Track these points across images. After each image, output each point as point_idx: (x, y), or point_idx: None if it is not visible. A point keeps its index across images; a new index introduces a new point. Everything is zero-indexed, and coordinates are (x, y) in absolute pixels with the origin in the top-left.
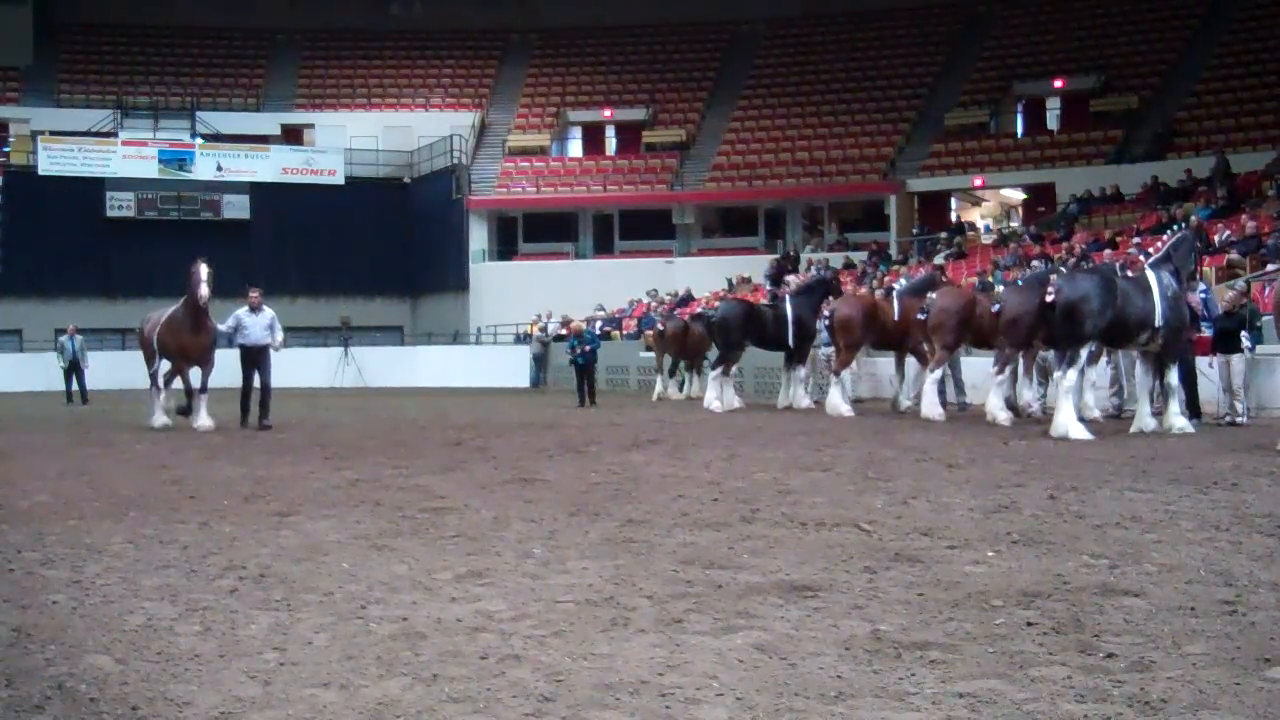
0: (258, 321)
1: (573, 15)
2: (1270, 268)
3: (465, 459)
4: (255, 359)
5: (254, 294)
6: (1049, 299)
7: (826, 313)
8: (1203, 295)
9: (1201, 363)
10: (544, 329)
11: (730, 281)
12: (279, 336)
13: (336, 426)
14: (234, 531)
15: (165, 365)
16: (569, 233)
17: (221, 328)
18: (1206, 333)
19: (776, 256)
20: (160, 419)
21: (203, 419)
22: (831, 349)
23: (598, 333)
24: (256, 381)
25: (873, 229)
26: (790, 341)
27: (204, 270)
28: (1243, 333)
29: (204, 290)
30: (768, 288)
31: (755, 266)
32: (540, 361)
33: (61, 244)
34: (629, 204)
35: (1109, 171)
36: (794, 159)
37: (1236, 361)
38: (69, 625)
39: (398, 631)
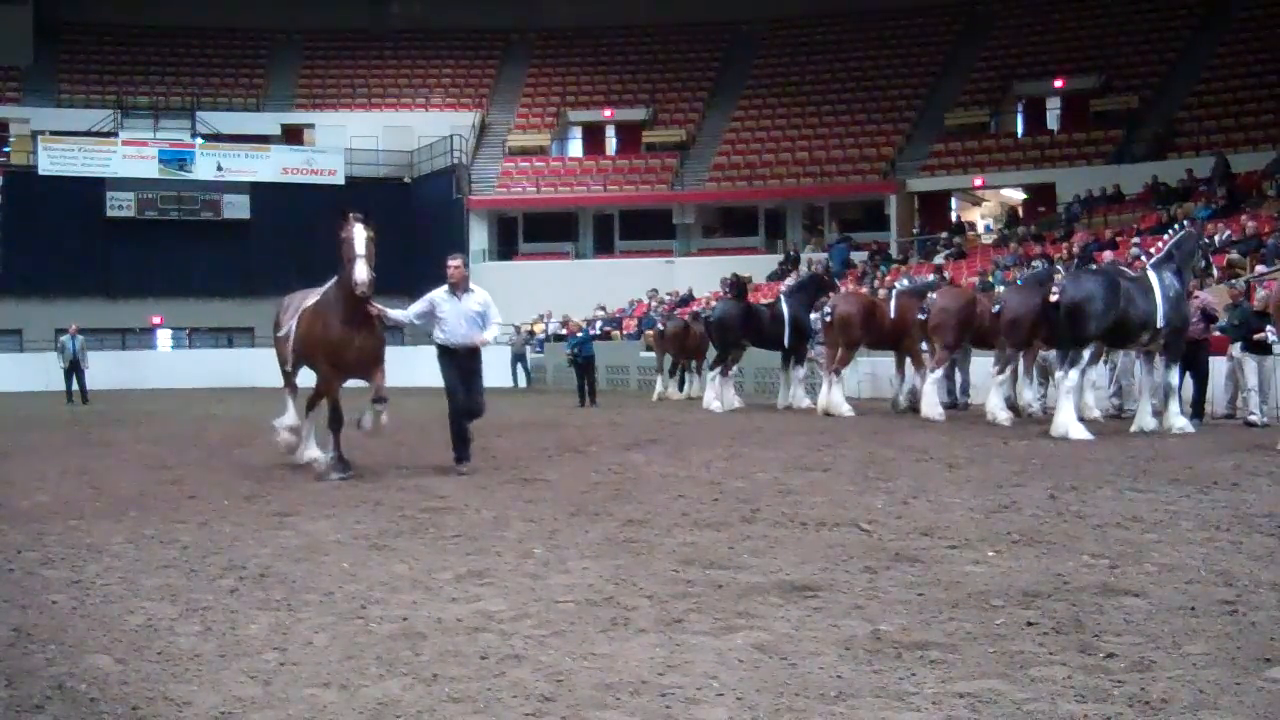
0: (461, 308)
1: (573, 15)
2: (1260, 269)
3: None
4: (462, 366)
5: (454, 264)
6: (1053, 299)
7: (826, 309)
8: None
9: (1217, 363)
10: (519, 328)
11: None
12: (491, 330)
13: None
14: (234, 531)
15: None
16: (569, 233)
17: (401, 316)
18: (1214, 333)
19: (780, 257)
20: (312, 452)
21: (364, 422)
22: (822, 348)
23: (596, 332)
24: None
25: (873, 229)
26: (786, 341)
27: (361, 235)
28: (1269, 328)
29: (363, 272)
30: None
31: (756, 266)
32: (520, 361)
33: (61, 244)
34: (629, 204)
35: (1109, 171)
36: (794, 159)
37: (1268, 362)
38: (69, 625)
39: (398, 631)
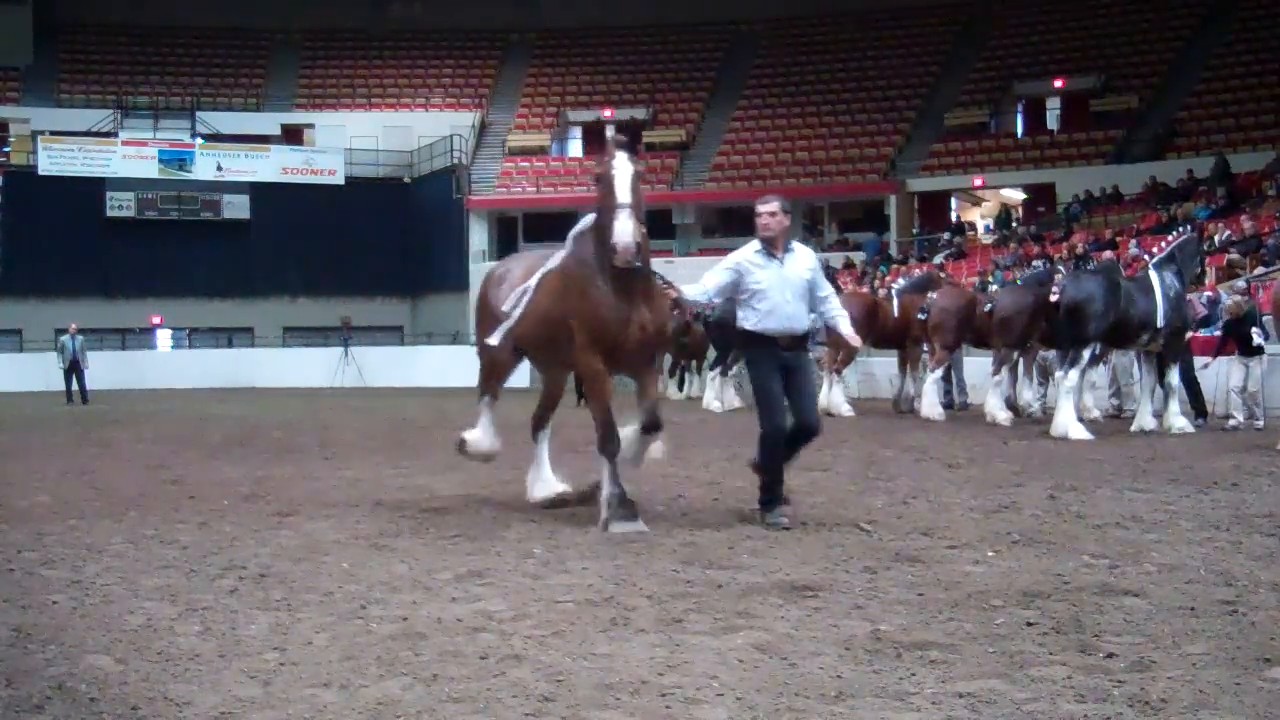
0: (785, 275)
1: (573, 15)
2: (1259, 270)
3: (465, 459)
4: (786, 364)
5: (769, 209)
6: (1053, 299)
7: None
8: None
9: (1196, 362)
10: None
11: None
12: (844, 320)
13: (336, 426)
14: (234, 531)
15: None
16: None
17: (697, 294)
18: (1202, 334)
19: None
20: (544, 489)
21: (635, 450)
22: (823, 347)
23: None
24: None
25: (873, 229)
26: None
27: (626, 172)
28: (1254, 329)
29: (627, 231)
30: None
31: None
32: None
33: (61, 244)
34: None
35: (1109, 171)
36: (794, 159)
37: (1255, 366)
38: (69, 625)
39: (398, 631)
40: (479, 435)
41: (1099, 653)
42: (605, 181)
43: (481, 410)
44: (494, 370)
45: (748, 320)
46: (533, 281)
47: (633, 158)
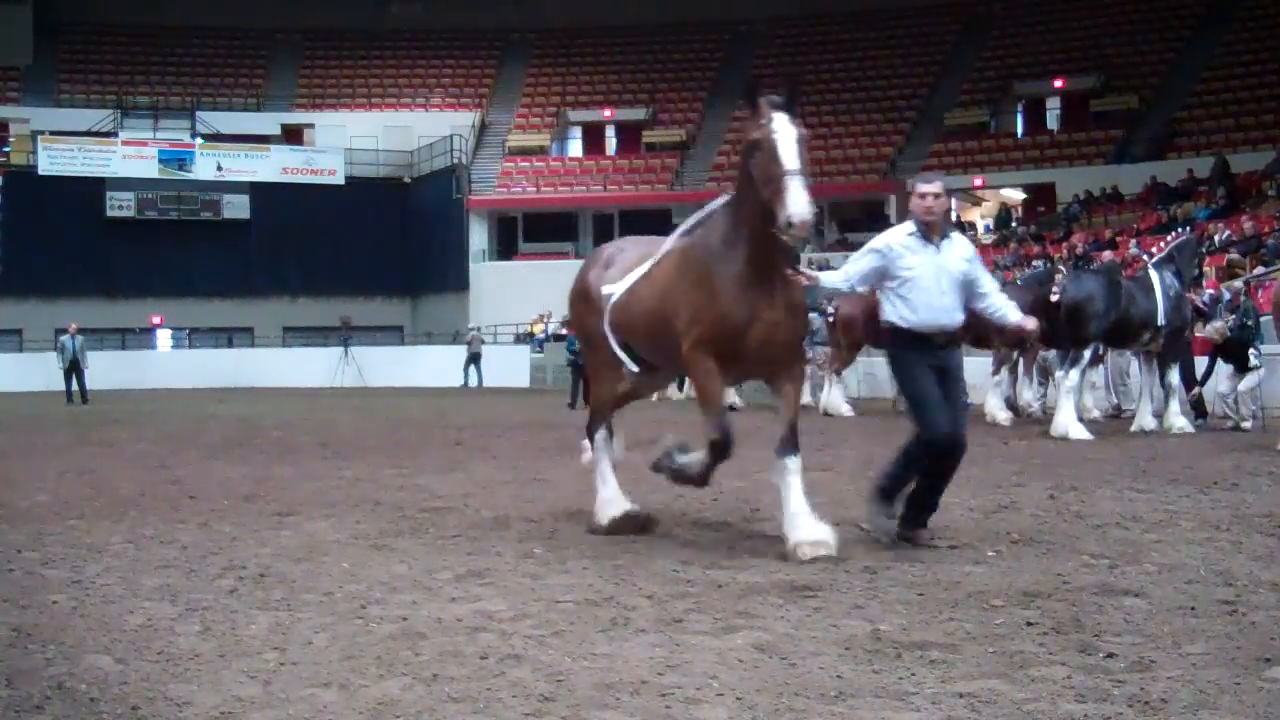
0: (941, 264)
1: (573, 15)
2: (1259, 270)
3: (465, 459)
4: (941, 365)
5: (930, 189)
6: (1053, 299)
7: (830, 310)
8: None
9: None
10: (477, 329)
11: None
12: (1014, 309)
13: (336, 426)
14: (234, 531)
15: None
16: (569, 233)
17: (837, 282)
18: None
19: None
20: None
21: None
22: (823, 348)
23: None
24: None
25: (873, 229)
26: None
27: (790, 134)
28: (1251, 350)
29: (802, 201)
30: None
31: None
32: (475, 361)
33: (61, 244)
34: (629, 204)
35: (1109, 171)
36: None
37: (1250, 378)
38: (69, 625)
39: (398, 631)
40: (607, 497)
41: (1099, 653)
42: (766, 147)
43: (597, 454)
44: (606, 381)
45: (894, 314)
46: (647, 265)
47: (794, 118)
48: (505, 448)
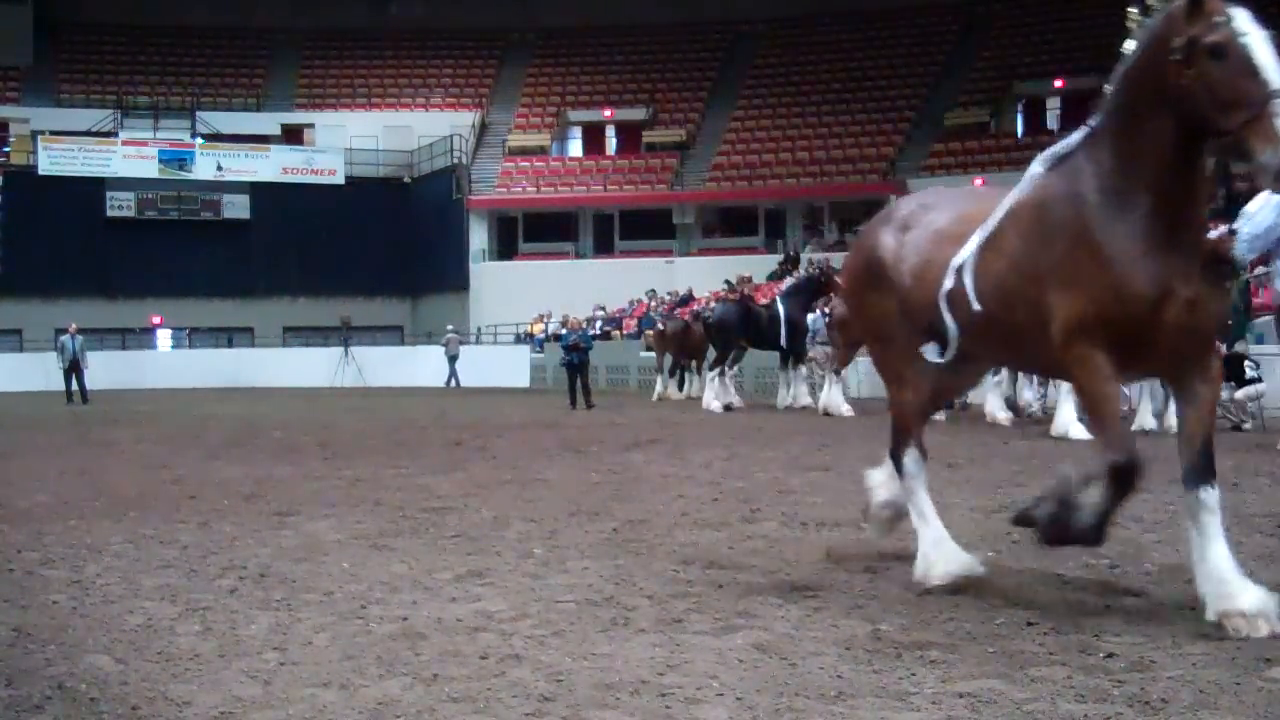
0: None
1: (573, 15)
2: (1259, 270)
3: (465, 459)
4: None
5: None
6: None
7: (826, 310)
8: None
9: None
10: (454, 330)
11: (729, 282)
12: None
13: (336, 426)
14: (234, 531)
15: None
16: (569, 233)
17: (1241, 246)
18: None
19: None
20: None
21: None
22: (823, 348)
23: (596, 332)
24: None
25: None
26: (783, 341)
27: (1260, 35)
28: (1248, 363)
29: None
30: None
31: (756, 266)
32: (454, 361)
33: (61, 244)
34: (629, 204)
35: None
36: (794, 159)
37: (1250, 391)
38: (69, 625)
39: (398, 631)
40: (935, 538)
41: (1099, 653)
42: (1232, 54)
43: (909, 484)
44: (911, 385)
45: None
46: (991, 221)
47: (1259, 18)
48: (505, 448)
